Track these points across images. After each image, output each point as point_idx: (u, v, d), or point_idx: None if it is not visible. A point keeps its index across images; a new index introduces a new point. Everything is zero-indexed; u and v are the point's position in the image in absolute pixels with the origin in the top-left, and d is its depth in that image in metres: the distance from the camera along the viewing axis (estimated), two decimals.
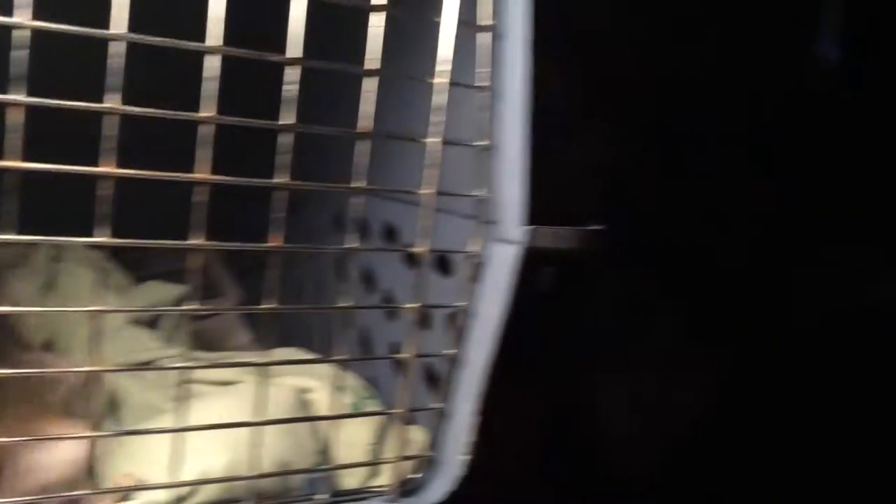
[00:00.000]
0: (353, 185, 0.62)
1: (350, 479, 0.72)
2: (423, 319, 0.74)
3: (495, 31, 0.65)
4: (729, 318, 3.21)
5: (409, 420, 0.72)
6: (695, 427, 2.38)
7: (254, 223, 0.66)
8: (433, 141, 0.64)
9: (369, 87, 0.60)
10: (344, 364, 0.82)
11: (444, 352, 0.70)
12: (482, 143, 0.67)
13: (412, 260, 0.76)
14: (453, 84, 0.63)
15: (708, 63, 3.70)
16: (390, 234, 0.88)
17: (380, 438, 0.75)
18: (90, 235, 0.53)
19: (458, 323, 0.70)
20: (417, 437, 0.74)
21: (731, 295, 3.47)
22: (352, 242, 0.64)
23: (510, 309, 0.69)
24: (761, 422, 3.04)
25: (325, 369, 0.81)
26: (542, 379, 1.99)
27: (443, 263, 0.75)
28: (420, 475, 0.72)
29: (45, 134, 0.53)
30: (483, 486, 1.57)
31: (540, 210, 0.77)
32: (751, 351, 3.21)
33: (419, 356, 0.69)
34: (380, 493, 0.69)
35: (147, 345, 0.87)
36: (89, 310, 0.55)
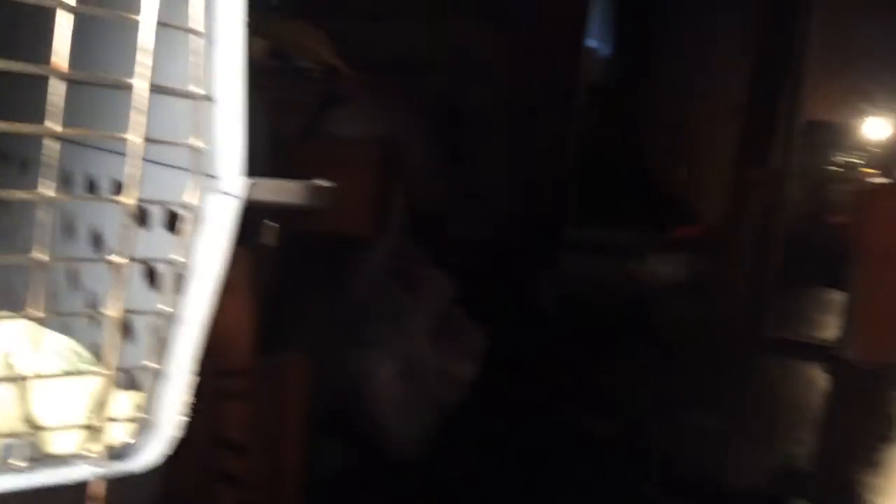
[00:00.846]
0: (48, 126, 0.57)
1: (63, 446, 0.67)
2: (150, 276, 0.71)
3: None
4: (493, 292, 3.36)
5: (128, 383, 0.68)
6: (464, 395, 2.47)
7: None
8: (139, 84, 0.60)
9: (64, 21, 0.55)
10: (69, 328, 0.77)
11: (157, 308, 0.67)
12: (196, 90, 0.64)
13: (142, 213, 0.72)
14: (162, 25, 0.60)
15: (484, 50, 3.81)
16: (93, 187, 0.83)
17: (99, 404, 0.71)
18: None
19: (174, 278, 0.67)
20: (136, 399, 0.70)
21: (496, 268, 3.64)
22: (44, 184, 0.59)
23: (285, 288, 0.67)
24: (523, 392, 3.21)
25: (35, 332, 0.75)
26: (312, 349, 1.99)
27: (169, 220, 0.72)
28: (136, 440, 0.68)
29: None
30: (249, 468, 1.54)
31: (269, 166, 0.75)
32: (512, 324, 3.38)
33: (128, 312, 0.65)
34: (87, 458, 0.65)
35: None
36: None
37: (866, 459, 1.05)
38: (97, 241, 0.86)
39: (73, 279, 0.62)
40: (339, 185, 2.20)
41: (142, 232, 0.74)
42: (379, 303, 2.34)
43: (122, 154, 0.80)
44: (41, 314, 0.61)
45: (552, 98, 4.55)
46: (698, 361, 4.05)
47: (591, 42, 6.05)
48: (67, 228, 0.92)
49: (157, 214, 0.74)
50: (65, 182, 0.94)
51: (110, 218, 0.84)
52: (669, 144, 6.74)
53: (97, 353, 0.81)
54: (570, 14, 4.77)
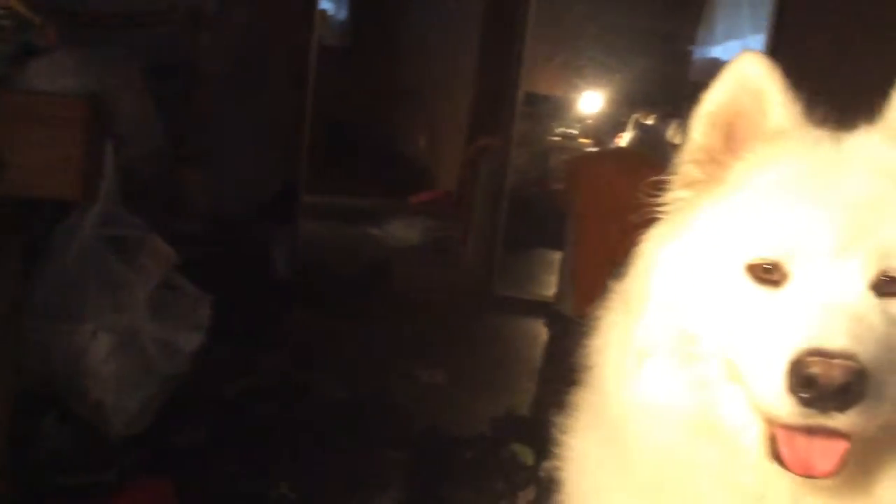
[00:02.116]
0: None
1: None
2: None
3: None
4: (225, 259, 3.26)
5: None
6: (190, 366, 2.39)
7: None
8: None
9: None
10: None
11: None
12: None
13: None
14: None
15: (212, 4, 3.63)
16: None
17: None
18: None
19: None
20: None
21: (228, 235, 3.53)
22: None
23: None
24: (262, 360, 3.16)
25: None
26: (12, 326, 1.83)
27: None
28: None
29: None
30: None
31: None
32: (247, 291, 3.31)
33: None
34: None
35: None
36: None
37: (560, 402, 1.15)
38: None
39: None
40: (38, 145, 2.00)
41: None
42: (90, 273, 2.18)
43: None
44: None
45: (285, 60, 4.47)
46: (434, 321, 4.22)
47: (325, 5, 6.01)
48: None
49: None
50: None
51: None
52: (406, 111, 6.90)
53: None
54: None
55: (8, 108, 1.91)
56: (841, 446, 0.83)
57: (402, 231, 5.81)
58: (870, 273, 0.86)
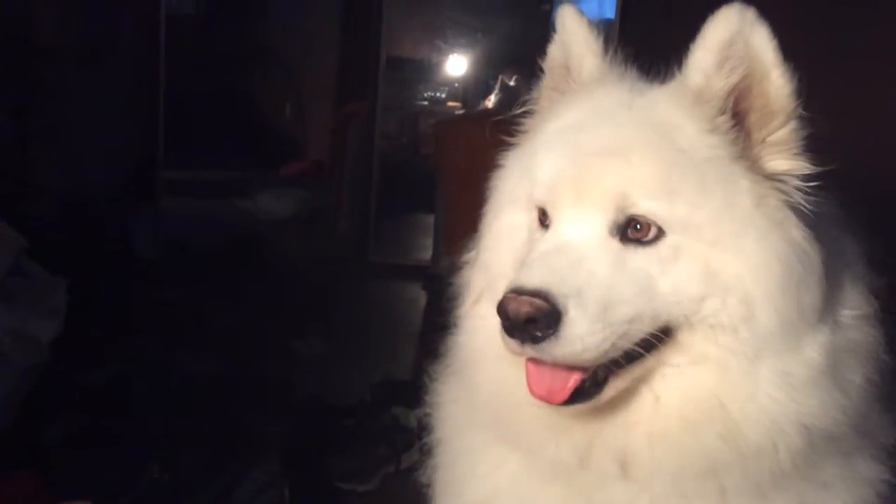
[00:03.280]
0: None
1: None
2: None
3: None
4: (79, 240, 3.11)
5: None
6: (49, 355, 2.27)
7: None
8: None
9: None
10: None
11: None
12: None
13: None
14: None
15: None
16: None
17: None
18: None
19: None
20: None
21: (81, 215, 3.36)
22: None
23: None
24: (127, 344, 3.04)
25: None
26: None
27: None
28: None
29: None
30: None
31: None
32: (99, 276, 3.15)
33: None
34: None
35: None
36: None
37: (437, 353, 1.17)
38: None
39: None
40: None
41: None
42: None
43: None
44: None
45: (134, 29, 4.26)
46: (310, 292, 4.17)
47: None
48: None
49: None
50: None
51: None
52: (270, 80, 6.72)
53: None
54: None
55: None
56: (570, 378, 0.91)
57: (273, 203, 5.68)
58: (606, 219, 0.92)
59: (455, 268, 1.19)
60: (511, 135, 1.11)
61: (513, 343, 0.88)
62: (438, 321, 1.19)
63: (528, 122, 1.09)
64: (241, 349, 3.24)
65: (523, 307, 0.85)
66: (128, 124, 4.17)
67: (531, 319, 0.85)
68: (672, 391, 0.94)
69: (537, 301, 0.85)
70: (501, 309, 0.87)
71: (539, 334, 0.86)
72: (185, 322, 3.42)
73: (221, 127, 5.87)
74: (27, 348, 2.16)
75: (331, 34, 6.30)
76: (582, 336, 0.86)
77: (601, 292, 0.88)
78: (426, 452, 1.24)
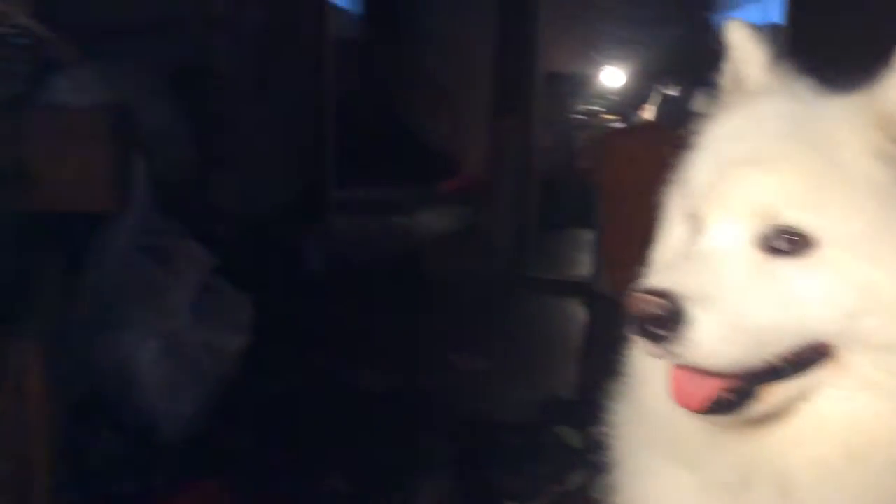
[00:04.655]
0: None
1: None
2: None
3: None
4: (259, 259, 3.29)
5: None
6: (235, 367, 2.41)
7: None
8: None
9: None
10: None
11: None
12: None
13: None
14: None
15: (226, 6, 3.65)
16: None
17: None
18: None
19: None
20: None
21: (259, 234, 3.56)
22: None
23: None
24: (302, 357, 3.19)
25: None
26: (55, 338, 1.85)
27: None
28: None
29: None
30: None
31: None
32: (282, 289, 3.33)
33: None
34: None
35: None
36: None
37: (611, 372, 1.17)
38: None
39: None
40: (68, 160, 2.03)
41: None
42: (131, 281, 2.21)
43: None
44: None
45: (302, 57, 4.48)
46: (469, 308, 4.22)
47: (340, 1, 6.01)
48: None
49: None
50: None
51: None
52: (427, 99, 6.88)
53: None
54: None
55: (33, 125, 1.93)
56: (710, 385, 0.90)
57: (432, 219, 5.81)
58: (750, 229, 0.90)
59: (618, 285, 1.19)
60: (681, 150, 1.11)
61: (643, 343, 0.89)
62: (605, 338, 1.19)
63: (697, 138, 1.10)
64: (406, 364, 3.33)
65: (646, 306, 0.87)
66: (298, 147, 4.39)
67: (654, 318, 0.86)
68: (837, 416, 0.90)
69: (660, 301, 0.86)
70: (629, 308, 0.89)
71: (661, 333, 0.86)
72: (352, 338, 3.55)
73: (383, 146, 6.07)
74: (216, 361, 2.31)
75: (486, 53, 6.39)
76: (707, 339, 0.86)
77: (734, 299, 0.88)
78: (600, 473, 1.23)
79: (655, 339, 0.87)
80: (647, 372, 1.04)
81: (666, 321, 0.86)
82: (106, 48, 2.85)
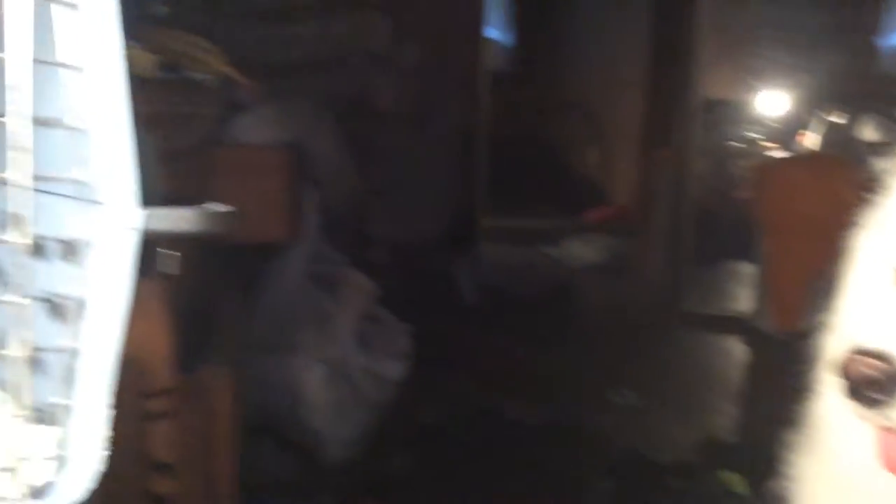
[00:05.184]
0: None
1: None
2: (54, 315, 0.69)
3: (75, 7, 0.61)
4: (413, 288, 3.37)
5: (45, 420, 0.67)
6: (394, 394, 2.48)
7: None
8: (14, 121, 0.59)
9: None
10: None
11: (62, 344, 0.66)
12: (75, 124, 0.63)
13: (39, 249, 0.70)
14: (36, 61, 0.59)
15: (387, 44, 3.80)
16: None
17: (11, 443, 0.69)
18: None
19: (77, 312, 0.66)
20: (52, 436, 0.69)
21: (414, 264, 3.64)
22: None
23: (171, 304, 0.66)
24: (453, 386, 3.23)
25: None
26: (234, 360, 1.97)
27: (67, 250, 0.70)
28: (56, 477, 0.67)
29: None
30: (183, 487, 1.52)
31: (200, 199, 0.74)
32: (440, 319, 3.39)
33: (36, 351, 0.64)
34: (8, 501, 0.63)
35: None
36: None
37: (784, 420, 1.11)
38: None
39: None
40: (248, 193, 2.16)
41: (40, 264, 0.72)
42: (301, 308, 2.33)
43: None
44: None
45: (456, 90, 4.58)
46: (621, 342, 4.14)
47: (492, 32, 6.11)
48: None
49: (53, 246, 0.72)
50: None
51: (5, 252, 0.82)
52: (576, 128, 6.86)
53: (4, 389, 0.79)
54: (468, 5, 4.82)
55: (221, 162, 2.08)
56: None
57: (580, 249, 5.76)
58: None
59: (784, 324, 1.14)
60: (868, 189, 1.06)
61: (856, 406, 0.86)
62: (770, 381, 1.14)
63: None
64: (559, 397, 3.30)
65: (865, 369, 0.83)
66: (450, 177, 4.48)
67: (871, 381, 0.83)
68: None
69: (878, 363, 0.83)
70: (842, 370, 0.86)
71: (878, 398, 0.83)
72: (505, 368, 3.56)
73: (531, 175, 6.10)
74: (377, 387, 2.38)
75: (637, 79, 6.31)
76: None
77: None
78: None
79: (871, 403, 0.84)
80: (845, 431, 0.98)
81: (885, 385, 0.83)
82: (277, 86, 3.03)
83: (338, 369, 2.30)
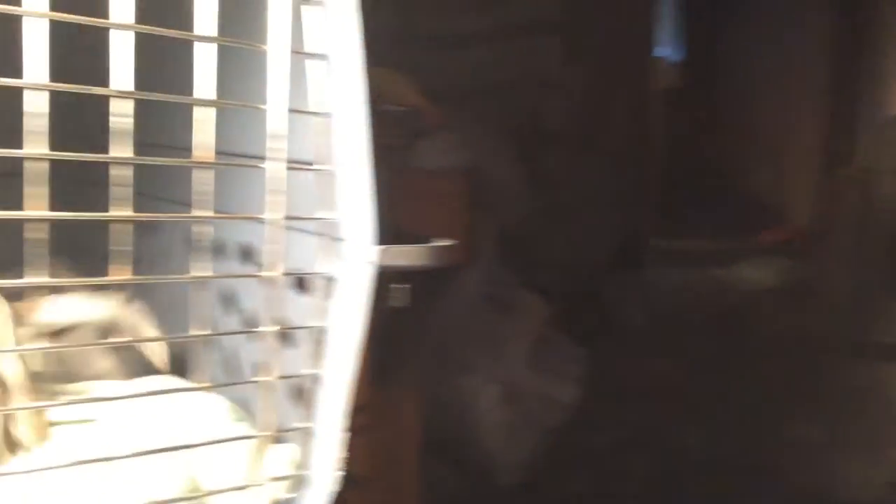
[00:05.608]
0: (194, 213, 0.62)
1: (224, 503, 0.72)
2: (283, 340, 0.75)
3: (325, 57, 0.66)
4: (589, 312, 3.35)
5: (279, 439, 0.72)
6: (567, 417, 2.47)
7: (100, 245, 0.65)
8: (272, 166, 0.64)
9: (201, 115, 0.60)
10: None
11: (305, 372, 0.71)
12: (323, 166, 0.68)
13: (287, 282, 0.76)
14: (291, 111, 0.64)
15: (557, 66, 3.82)
16: (245, 252, 0.87)
17: (252, 460, 0.75)
18: None
19: (318, 342, 0.71)
20: (291, 455, 0.74)
21: (591, 291, 3.62)
22: (204, 266, 0.64)
23: (381, 325, 0.70)
24: (624, 413, 3.18)
25: (196, 394, 0.80)
26: (420, 388, 2.03)
27: (301, 281, 0.75)
28: (294, 495, 0.72)
29: None
30: (368, 501, 1.59)
31: (399, 229, 0.78)
32: (610, 343, 3.35)
33: (281, 377, 0.69)
34: None
35: None
36: None
37: None
38: (228, 299, 0.91)
39: (208, 341, 0.67)
40: (428, 218, 2.23)
41: (289, 295, 0.78)
42: (476, 330, 2.37)
43: (247, 219, 0.85)
44: (212, 384, 0.66)
45: (626, 110, 4.52)
46: (801, 371, 3.94)
47: (663, 51, 5.99)
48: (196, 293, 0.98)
49: (301, 279, 0.78)
50: (190, 246, 1.00)
51: (238, 280, 0.89)
52: (749, 147, 6.59)
53: (244, 407, 0.86)
54: (638, 24, 4.76)
55: (405, 190, 2.15)
56: None
57: (753, 272, 5.51)
58: None
59: None
60: None
61: None
62: None
63: None
64: (733, 428, 3.18)
65: None
66: (620, 198, 4.42)
67: None
68: None
69: None
70: None
71: None
72: (675, 394, 3.47)
73: (702, 195, 5.92)
74: (550, 410, 2.38)
75: (817, 94, 6.00)
76: None
77: None
78: None
79: None
80: None
81: None
82: (455, 112, 3.11)
83: (511, 391, 2.32)
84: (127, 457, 0.61)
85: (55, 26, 0.52)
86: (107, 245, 0.85)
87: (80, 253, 0.57)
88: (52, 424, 0.71)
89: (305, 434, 0.72)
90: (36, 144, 0.53)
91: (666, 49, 6.55)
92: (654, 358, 3.83)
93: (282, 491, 0.72)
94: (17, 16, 0.51)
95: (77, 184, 0.80)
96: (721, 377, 3.70)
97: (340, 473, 0.71)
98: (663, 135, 5.18)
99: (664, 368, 3.70)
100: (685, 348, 4.02)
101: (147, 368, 0.88)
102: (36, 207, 0.53)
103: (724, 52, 6.82)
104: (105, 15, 0.55)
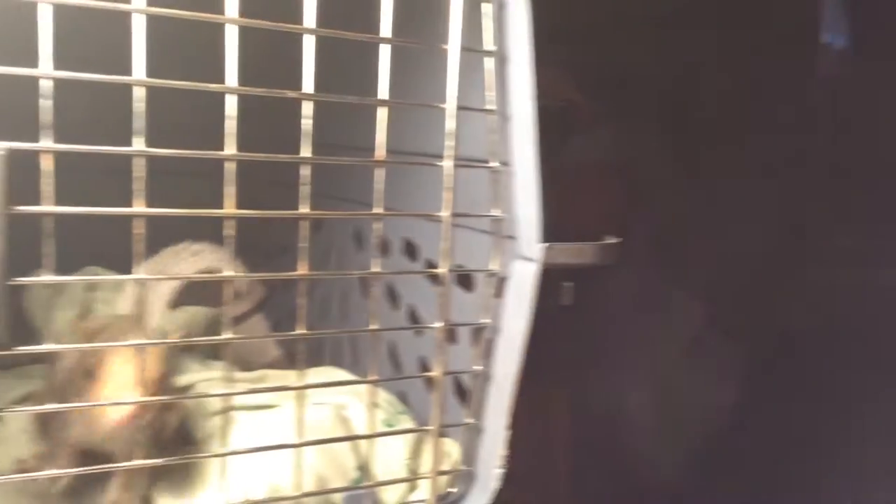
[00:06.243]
0: (373, 211, 0.64)
1: (388, 494, 0.73)
2: (450, 337, 0.76)
3: (499, 55, 0.67)
4: (747, 314, 3.19)
5: (442, 433, 0.74)
6: (722, 423, 2.37)
7: (278, 241, 0.68)
8: (448, 164, 0.66)
9: (382, 116, 0.62)
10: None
11: (472, 368, 0.72)
12: (495, 164, 0.69)
13: (434, 276, 0.77)
14: (462, 108, 0.65)
15: (713, 55, 3.67)
16: (411, 250, 0.89)
17: (415, 453, 0.77)
18: (122, 264, 0.56)
19: (484, 339, 0.71)
20: (451, 450, 0.75)
21: (749, 291, 3.45)
22: (374, 262, 0.66)
23: (533, 324, 0.70)
24: (784, 418, 3.02)
25: (359, 386, 0.83)
26: (572, 387, 2.00)
27: (464, 278, 0.76)
28: (456, 489, 0.73)
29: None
30: (522, 498, 1.59)
31: (556, 226, 0.78)
32: (768, 346, 3.18)
33: (447, 373, 0.71)
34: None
35: (188, 367, 0.89)
36: (135, 343, 0.57)
37: None
38: (392, 295, 0.93)
39: (376, 336, 0.68)
40: (584, 214, 2.19)
41: (434, 288, 0.79)
42: (629, 329, 2.31)
43: (411, 216, 0.87)
44: (380, 378, 0.68)
45: (786, 101, 4.30)
46: None
47: (828, 37, 5.66)
48: (363, 287, 1.01)
49: (470, 276, 0.79)
50: (359, 242, 1.04)
51: (402, 276, 0.91)
52: None
53: (403, 401, 0.88)
54: (803, 10, 4.51)
55: (560, 187, 2.13)
56: None
57: None
58: None
59: None
60: None
61: None
62: None
63: None
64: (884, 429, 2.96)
65: None
66: (779, 192, 4.21)
67: None
68: None
69: None
70: None
71: None
72: (840, 401, 3.26)
73: (864, 189, 5.55)
74: (704, 412, 2.29)
75: None
76: None
77: None
78: None
79: None
80: None
81: None
82: (609, 106, 3.04)
83: (664, 392, 2.26)
84: (305, 444, 0.64)
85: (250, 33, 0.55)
86: (269, 241, 0.89)
87: (245, 249, 0.60)
88: (234, 409, 0.75)
89: (468, 430, 0.73)
90: (228, 146, 0.56)
91: (833, 35, 6.18)
92: (816, 359, 3.62)
93: (445, 485, 0.74)
94: (221, 24, 0.54)
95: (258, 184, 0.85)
96: (883, 379, 3.45)
97: (503, 470, 0.71)
98: (828, 126, 4.90)
99: (823, 371, 3.49)
100: (848, 350, 3.78)
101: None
102: (228, 206, 0.56)
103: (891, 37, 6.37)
104: (298, 21, 0.57)
